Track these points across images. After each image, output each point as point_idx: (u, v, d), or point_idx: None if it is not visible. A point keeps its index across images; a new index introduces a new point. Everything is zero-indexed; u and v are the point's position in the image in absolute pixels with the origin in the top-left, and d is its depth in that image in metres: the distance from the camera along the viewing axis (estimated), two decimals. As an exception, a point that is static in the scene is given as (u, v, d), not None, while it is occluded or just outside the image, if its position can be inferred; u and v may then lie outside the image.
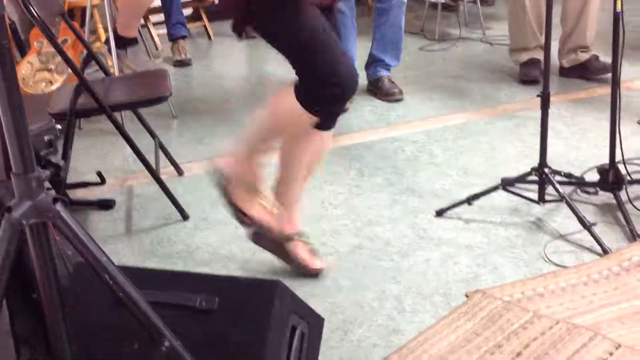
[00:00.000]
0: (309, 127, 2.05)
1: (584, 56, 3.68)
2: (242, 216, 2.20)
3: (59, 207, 1.27)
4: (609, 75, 3.27)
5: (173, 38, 4.54)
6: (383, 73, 3.67)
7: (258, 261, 2.33)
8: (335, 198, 2.72)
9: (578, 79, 3.71)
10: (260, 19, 2.01)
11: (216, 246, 2.44)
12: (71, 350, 1.36)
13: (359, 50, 3.62)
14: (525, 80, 3.69)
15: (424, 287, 2.15)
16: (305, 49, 1.98)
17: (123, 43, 2.53)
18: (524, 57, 3.72)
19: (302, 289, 2.14)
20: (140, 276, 1.63)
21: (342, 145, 3.17)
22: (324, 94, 1.98)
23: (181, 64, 4.44)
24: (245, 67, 4.50)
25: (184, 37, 4.57)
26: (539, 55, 3.66)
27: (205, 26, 5.00)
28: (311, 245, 2.27)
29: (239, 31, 2.09)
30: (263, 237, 2.23)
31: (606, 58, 3.60)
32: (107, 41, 3.58)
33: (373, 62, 3.68)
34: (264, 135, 2.17)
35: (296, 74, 1.99)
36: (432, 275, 2.21)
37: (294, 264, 2.22)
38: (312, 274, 2.21)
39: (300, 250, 2.22)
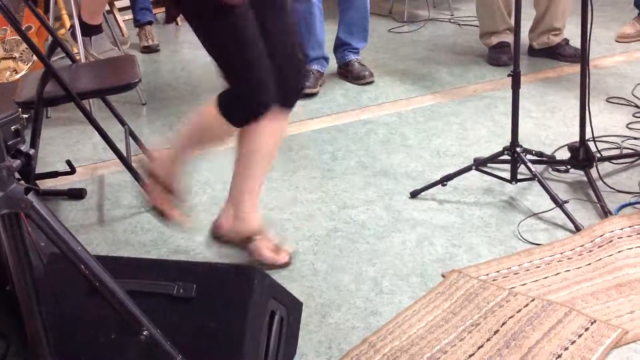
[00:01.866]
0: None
1: (554, 40, 3.70)
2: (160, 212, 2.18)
3: (31, 197, 1.25)
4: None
5: (139, 24, 4.48)
6: (352, 57, 3.66)
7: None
8: (309, 182, 2.71)
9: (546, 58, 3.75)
10: (185, 15, 1.95)
11: (191, 233, 2.42)
12: (48, 342, 1.34)
13: (327, 34, 3.61)
14: (494, 64, 3.70)
15: (401, 268, 2.16)
16: (222, 54, 1.93)
17: (87, 30, 2.48)
18: (494, 40, 3.72)
19: (280, 274, 2.14)
20: (116, 265, 1.62)
21: (314, 129, 3.16)
22: (236, 105, 1.96)
23: (149, 50, 4.38)
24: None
25: (150, 23, 4.51)
26: (509, 38, 3.67)
27: (171, 11, 4.93)
28: (273, 240, 2.22)
29: (170, 20, 2.09)
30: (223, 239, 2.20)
31: (575, 37, 3.63)
32: (71, 28, 3.51)
33: (341, 46, 3.67)
34: (193, 136, 2.12)
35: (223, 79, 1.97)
36: (408, 256, 2.21)
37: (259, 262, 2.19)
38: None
39: (263, 251, 2.18)
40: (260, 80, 1.90)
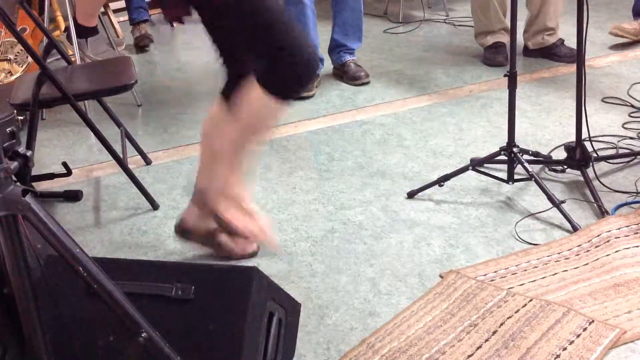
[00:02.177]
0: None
1: (549, 40, 3.71)
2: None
3: (28, 199, 1.25)
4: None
5: (135, 22, 4.47)
6: (348, 58, 3.66)
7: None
8: (306, 183, 2.71)
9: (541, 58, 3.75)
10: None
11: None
12: (45, 345, 1.33)
13: (321, 35, 3.61)
14: (490, 64, 3.70)
15: (399, 269, 2.16)
16: (268, 28, 1.84)
17: (83, 32, 2.47)
18: (489, 40, 3.73)
19: (277, 275, 2.14)
20: (114, 267, 1.61)
21: (311, 129, 3.16)
22: (295, 73, 1.87)
23: (141, 39, 4.37)
24: (209, 53, 4.44)
25: (145, 21, 4.50)
26: (504, 38, 3.68)
27: (166, 12, 4.92)
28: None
29: (177, 15, 1.98)
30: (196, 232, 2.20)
31: (570, 37, 3.64)
32: (66, 30, 3.50)
33: (336, 47, 3.67)
34: (242, 143, 2.05)
35: (257, 58, 1.88)
36: (406, 257, 2.21)
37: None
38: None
39: (229, 245, 2.21)
40: (304, 33, 1.86)
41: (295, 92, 1.96)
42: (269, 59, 1.87)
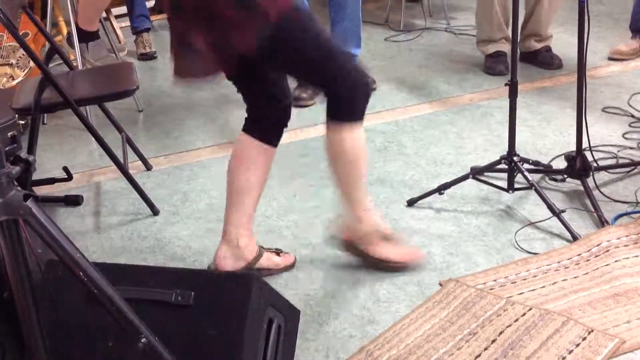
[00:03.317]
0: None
1: (536, 45, 3.74)
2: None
3: (30, 203, 1.25)
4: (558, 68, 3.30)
5: (137, 31, 4.47)
6: None
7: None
8: (306, 190, 2.71)
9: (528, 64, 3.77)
10: (281, 40, 1.89)
11: (188, 240, 2.42)
12: (45, 350, 1.33)
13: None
14: (491, 73, 3.71)
15: (398, 276, 2.16)
16: (330, 56, 1.94)
17: (85, 37, 2.48)
18: (490, 49, 3.74)
19: (277, 282, 2.14)
20: (114, 272, 1.61)
21: (311, 137, 3.16)
22: (362, 91, 1.97)
23: (146, 57, 4.38)
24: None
25: (147, 30, 4.50)
26: (505, 47, 3.69)
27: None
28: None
29: (235, 70, 1.99)
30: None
31: (571, 47, 3.65)
32: (68, 34, 3.51)
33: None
34: (357, 181, 2.07)
35: (326, 90, 1.96)
36: (405, 265, 2.21)
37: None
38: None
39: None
40: (347, 55, 2.00)
41: (364, 107, 2.01)
42: (328, 90, 1.97)
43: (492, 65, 3.72)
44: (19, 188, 1.27)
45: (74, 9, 3.52)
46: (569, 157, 2.49)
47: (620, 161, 2.71)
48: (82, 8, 2.61)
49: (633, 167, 2.64)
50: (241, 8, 1.82)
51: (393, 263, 2.15)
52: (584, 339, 1.81)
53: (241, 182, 2.06)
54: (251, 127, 2.08)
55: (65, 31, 3.99)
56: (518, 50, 3.68)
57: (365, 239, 2.12)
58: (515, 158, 2.44)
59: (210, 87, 3.85)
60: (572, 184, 2.56)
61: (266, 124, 2.08)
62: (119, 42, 4.59)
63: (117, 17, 4.73)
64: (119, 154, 2.68)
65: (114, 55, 3.88)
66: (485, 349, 1.82)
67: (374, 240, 2.13)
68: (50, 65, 3.01)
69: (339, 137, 1.99)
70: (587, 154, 2.47)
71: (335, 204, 2.58)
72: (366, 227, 2.10)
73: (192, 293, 1.59)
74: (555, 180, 2.61)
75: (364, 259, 2.17)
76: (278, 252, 2.23)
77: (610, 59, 3.79)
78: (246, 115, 2.10)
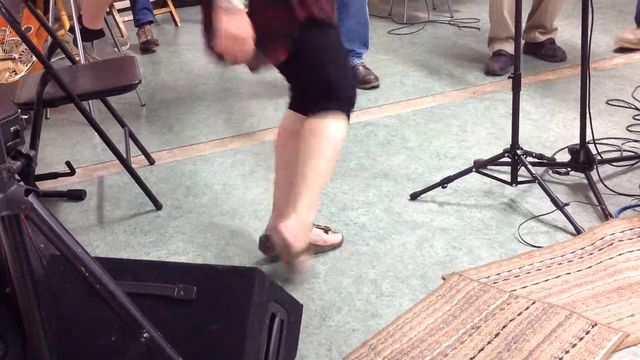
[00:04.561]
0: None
1: (540, 37, 3.72)
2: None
3: (31, 198, 1.25)
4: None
5: (139, 23, 4.47)
6: (357, 61, 3.64)
7: (235, 249, 2.31)
8: (309, 184, 2.71)
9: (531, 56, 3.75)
10: (311, 33, 1.90)
11: (191, 235, 2.42)
12: (47, 345, 1.33)
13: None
14: (486, 72, 3.66)
15: (401, 270, 2.15)
16: (343, 52, 1.98)
17: (89, 35, 2.47)
18: (494, 47, 3.71)
19: (280, 276, 2.14)
20: (116, 267, 1.62)
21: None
22: (353, 87, 2.00)
23: (148, 44, 4.37)
24: (213, 53, 4.45)
25: (150, 22, 4.50)
26: (508, 47, 3.64)
27: (171, 12, 4.94)
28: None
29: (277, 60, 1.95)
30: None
31: (575, 39, 3.63)
32: (71, 29, 3.51)
33: (345, 52, 3.66)
34: (325, 176, 2.02)
35: (331, 83, 1.94)
36: (408, 258, 2.21)
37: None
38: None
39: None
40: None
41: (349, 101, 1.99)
42: (343, 81, 1.96)
43: (490, 63, 3.67)
44: (21, 183, 1.27)
45: (77, 3, 3.51)
46: (572, 150, 2.48)
47: (624, 154, 2.70)
48: (86, 6, 2.61)
49: (637, 160, 2.63)
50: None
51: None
52: (588, 332, 1.81)
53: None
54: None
55: (67, 25, 3.99)
56: (522, 42, 3.71)
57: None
58: (518, 151, 2.43)
59: (213, 82, 3.85)
60: (576, 177, 2.55)
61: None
62: (122, 36, 4.59)
63: (119, 11, 4.73)
64: (121, 148, 2.67)
65: (116, 49, 3.88)
66: (489, 342, 1.81)
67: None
68: (53, 59, 3.02)
69: (327, 129, 1.95)
70: (591, 147, 2.46)
71: (339, 198, 2.59)
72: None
73: (195, 288, 1.59)
74: (559, 173, 2.60)
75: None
76: (327, 229, 2.26)
77: (617, 49, 3.77)
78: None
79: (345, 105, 1.97)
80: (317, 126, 1.95)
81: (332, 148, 1.95)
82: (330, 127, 1.95)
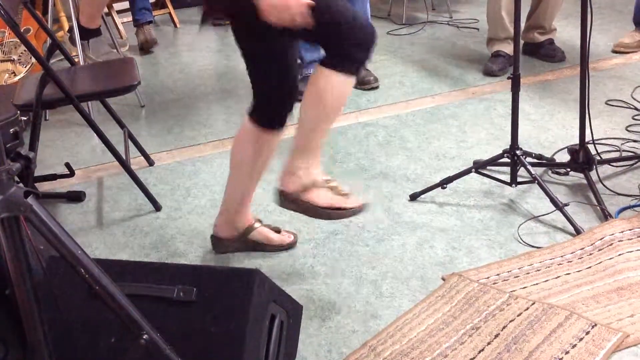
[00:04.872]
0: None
1: (539, 38, 3.72)
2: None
3: (30, 200, 1.24)
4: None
5: (138, 23, 4.47)
6: None
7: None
8: (309, 185, 2.70)
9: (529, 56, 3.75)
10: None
11: (191, 236, 2.42)
12: (47, 346, 1.33)
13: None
14: (484, 73, 3.66)
15: (401, 271, 2.15)
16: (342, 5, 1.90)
17: (86, 34, 2.46)
18: (493, 48, 3.71)
19: (279, 277, 2.14)
20: (116, 269, 1.61)
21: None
22: (362, 39, 1.89)
23: (147, 44, 4.37)
24: (212, 54, 4.44)
25: (149, 23, 4.50)
26: (508, 48, 3.64)
27: (170, 13, 4.94)
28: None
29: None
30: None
31: (574, 40, 3.63)
32: (70, 31, 3.51)
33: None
34: (324, 131, 2.04)
35: (331, 39, 1.88)
36: (408, 259, 2.21)
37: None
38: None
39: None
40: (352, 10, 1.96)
41: (364, 57, 1.93)
42: (332, 37, 1.88)
43: (487, 64, 3.67)
44: (21, 185, 1.27)
45: (76, 5, 3.51)
46: (572, 151, 2.48)
47: (624, 154, 2.70)
48: (84, 5, 2.61)
49: (636, 160, 2.63)
50: None
51: (336, 209, 2.05)
52: (588, 333, 1.81)
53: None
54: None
55: (67, 27, 3.98)
56: (521, 42, 3.71)
57: (308, 189, 2.03)
58: (518, 152, 2.43)
59: (213, 83, 3.85)
60: (575, 177, 2.55)
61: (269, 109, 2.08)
62: (121, 37, 4.59)
63: (118, 12, 4.73)
64: (121, 149, 2.67)
65: (115, 50, 3.88)
66: (489, 343, 1.81)
67: (314, 189, 2.03)
68: (52, 61, 3.02)
69: (330, 82, 1.90)
70: (590, 147, 2.46)
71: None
72: (311, 177, 2.03)
73: (195, 289, 1.59)
74: (558, 173, 2.60)
75: (306, 211, 2.04)
76: (277, 230, 2.27)
77: (614, 51, 3.77)
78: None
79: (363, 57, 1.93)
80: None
81: (332, 108, 1.96)
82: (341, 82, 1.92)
